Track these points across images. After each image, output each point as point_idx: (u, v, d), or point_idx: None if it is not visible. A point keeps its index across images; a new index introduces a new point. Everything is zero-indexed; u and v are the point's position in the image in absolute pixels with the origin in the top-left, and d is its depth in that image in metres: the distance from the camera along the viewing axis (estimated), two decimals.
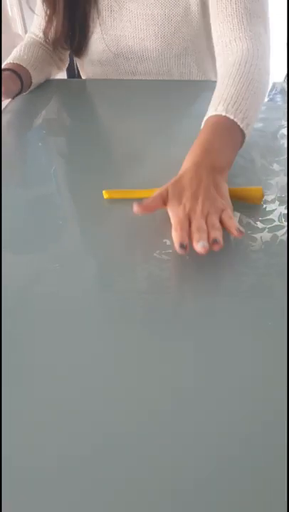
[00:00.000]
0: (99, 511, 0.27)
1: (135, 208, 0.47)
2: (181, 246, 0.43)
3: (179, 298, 0.43)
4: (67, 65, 0.97)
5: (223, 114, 0.54)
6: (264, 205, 0.53)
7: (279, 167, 0.60)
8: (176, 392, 0.34)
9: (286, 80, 0.82)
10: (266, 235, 0.48)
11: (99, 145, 0.68)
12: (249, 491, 0.28)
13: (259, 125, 0.70)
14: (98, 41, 0.84)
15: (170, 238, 0.45)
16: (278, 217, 0.51)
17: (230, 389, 0.34)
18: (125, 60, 0.86)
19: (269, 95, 0.86)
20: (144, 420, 0.32)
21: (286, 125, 0.71)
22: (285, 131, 0.69)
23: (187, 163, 0.51)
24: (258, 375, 0.35)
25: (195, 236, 0.43)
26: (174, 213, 0.46)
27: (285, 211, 0.52)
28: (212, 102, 0.57)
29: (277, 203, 0.53)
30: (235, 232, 0.44)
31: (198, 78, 0.90)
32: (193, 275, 0.44)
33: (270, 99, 0.84)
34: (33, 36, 0.88)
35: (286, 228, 0.49)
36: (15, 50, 0.84)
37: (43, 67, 0.85)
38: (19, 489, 0.29)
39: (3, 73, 0.76)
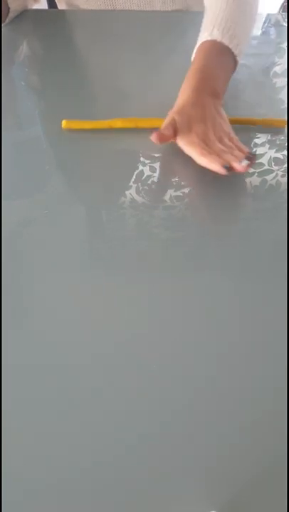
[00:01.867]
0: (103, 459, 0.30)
1: (153, 137, 0.47)
2: (226, 167, 0.44)
3: (168, 243, 0.44)
4: None
5: (219, 39, 0.53)
6: (254, 149, 0.52)
7: (267, 108, 0.58)
8: (168, 336, 0.36)
9: (282, 12, 0.78)
10: (255, 179, 0.48)
11: (84, 81, 0.65)
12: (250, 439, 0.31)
13: (250, 61, 0.67)
14: None
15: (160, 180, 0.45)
16: (268, 162, 0.50)
17: (221, 332, 0.36)
18: None
19: (262, 28, 0.82)
20: (136, 367, 0.34)
21: (279, 62, 0.69)
22: (278, 69, 0.67)
23: (186, 90, 0.51)
24: (249, 316, 0.37)
25: (226, 158, 0.45)
26: (189, 141, 0.46)
27: (275, 155, 0.51)
28: (205, 27, 0.55)
29: (267, 146, 0.52)
30: (247, 152, 0.46)
31: (179, 6, 0.85)
32: (182, 219, 0.45)
33: (263, 33, 0.80)
34: None
35: (275, 173, 0.49)
36: None
37: None
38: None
39: None
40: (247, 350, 0.34)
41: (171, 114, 0.49)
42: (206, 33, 0.54)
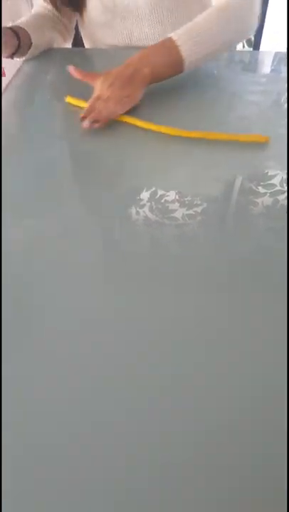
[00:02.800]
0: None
1: (70, 68, 0.67)
2: (82, 118, 0.60)
3: (179, 259, 0.44)
4: (72, 35, 0.98)
5: (173, 37, 0.64)
6: (266, 170, 0.53)
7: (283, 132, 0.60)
8: (178, 353, 0.35)
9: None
10: (267, 200, 0.49)
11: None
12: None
13: (259, 97, 0.70)
14: (95, 2, 0.85)
15: (172, 204, 0.46)
16: (279, 183, 0.51)
17: (228, 347, 0.35)
18: (121, 20, 0.87)
19: (271, 66, 0.86)
20: (143, 379, 0.34)
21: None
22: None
23: (125, 61, 0.64)
24: (259, 337, 0.36)
25: (87, 114, 0.61)
26: (95, 91, 0.64)
27: (286, 176, 0.52)
28: (178, 30, 0.66)
29: (278, 167, 0.54)
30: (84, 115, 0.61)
31: None
32: (193, 237, 0.45)
33: (272, 70, 0.83)
34: (38, 8, 0.92)
35: (287, 194, 0.50)
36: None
37: (44, 30, 0.86)
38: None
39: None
40: (257, 370, 0.34)
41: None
42: (175, 34, 0.65)
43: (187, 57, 0.65)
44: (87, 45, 1.00)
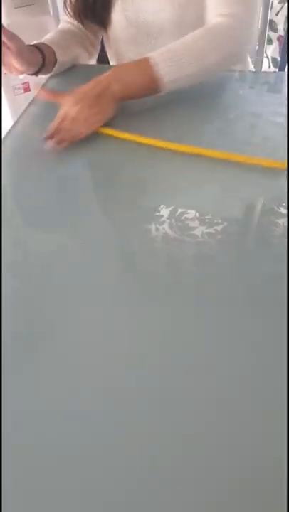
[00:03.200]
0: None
1: (39, 93, 0.70)
2: (44, 138, 0.60)
3: (198, 277, 0.44)
4: (97, 51, 0.98)
5: (150, 57, 0.64)
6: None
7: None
8: (195, 372, 0.35)
9: None
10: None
11: (121, 124, 0.69)
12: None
13: (258, 108, 0.70)
14: (120, 17, 0.86)
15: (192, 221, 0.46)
16: None
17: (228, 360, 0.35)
18: (145, 35, 0.87)
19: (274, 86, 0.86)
20: (144, 392, 0.33)
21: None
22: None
23: (94, 78, 0.64)
24: (260, 361, 0.36)
25: (53, 135, 0.60)
26: (60, 109, 0.62)
27: None
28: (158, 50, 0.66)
29: None
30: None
31: None
32: (212, 256, 0.45)
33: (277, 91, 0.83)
34: (64, 23, 0.92)
35: None
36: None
37: (70, 46, 0.87)
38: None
39: (26, 47, 0.77)
40: (267, 391, 0.33)
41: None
42: (153, 54, 0.64)
43: (164, 76, 0.64)
44: (112, 62, 1.01)
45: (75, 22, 0.90)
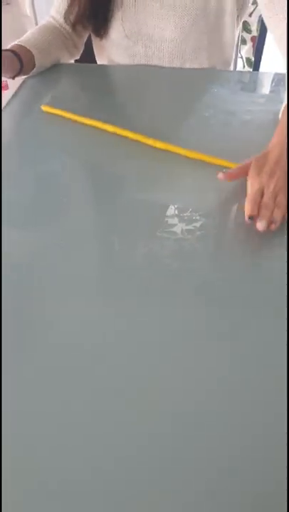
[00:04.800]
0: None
1: (220, 175, 0.52)
2: (250, 218, 0.48)
3: (178, 274, 0.45)
4: (80, 53, 0.97)
5: None
6: None
7: None
8: (176, 366, 0.36)
9: None
10: None
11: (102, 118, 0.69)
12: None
13: (257, 115, 0.72)
14: (118, 28, 0.85)
15: (171, 218, 0.47)
16: None
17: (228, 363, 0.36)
18: (143, 48, 0.87)
19: (270, 87, 0.88)
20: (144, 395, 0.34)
21: None
22: None
23: (274, 141, 0.55)
24: (255, 351, 0.37)
25: (261, 212, 0.48)
26: (250, 184, 0.51)
27: None
28: None
29: None
30: (281, 218, 0.48)
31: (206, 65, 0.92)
32: (192, 252, 0.46)
33: (271, 91, 0.85)
34: (51, 20, 0.89)
35: None
36: (27, 32, 0.85)
37: (51, 50, 0.85)
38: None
39: (3, 53, 0.76)
40: (254, 383, 0.34)
41: (253, 157, 0.53)
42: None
43: None
44: (101, 62, 0.99)
45: (64, 23, 0.88)
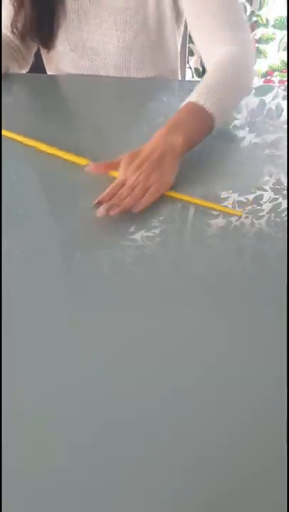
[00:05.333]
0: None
1: (87, 168, 0.56)
2: (96, 203, 0.52)
3: (141, 281, 0.45)
4: (29, 65, 0.98)
5: (194, 100, 0.61)
6: (218, 192, 0.56)
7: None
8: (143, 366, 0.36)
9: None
10: (220, 221, 0.52)
11: (63, 138, 0.68)
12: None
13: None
14: (63, 41, 0.87)
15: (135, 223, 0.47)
16: (232, 205, 0.54)
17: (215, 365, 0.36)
18: (89, 61, 0.89)
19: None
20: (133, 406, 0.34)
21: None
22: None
23: (152, 140, 0.58)
24: (251, 357, 0.38)
25: (108, 201, 0.51)
26: (118, 177, 0.55)
27: (239, 198, 0.55)
28: (195, 91, 0.63)
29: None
30: (133, 208, 0.51)
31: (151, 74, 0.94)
32: (152, 257, 0.47)
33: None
34: None
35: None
36: None
37: None
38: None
39: None
40: (244, 380, 0.35)
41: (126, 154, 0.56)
42: (193, 96, 0.62)
43: (215, 112, 0.61)
44: (49, 71, 1.00)
45: (12, 36, 0.89)
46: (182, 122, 0.59)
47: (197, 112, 0.61)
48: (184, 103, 0.62)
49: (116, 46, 0.86)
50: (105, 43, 0.86)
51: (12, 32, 0.87)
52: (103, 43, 0.86)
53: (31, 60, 0.97)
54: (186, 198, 0.55)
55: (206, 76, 0.66)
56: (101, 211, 0.49)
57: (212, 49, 0.72)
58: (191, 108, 0.61)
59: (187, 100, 0.62)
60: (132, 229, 0.50)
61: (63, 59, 0.91)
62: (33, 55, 0.97)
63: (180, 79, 1.05)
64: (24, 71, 0.98)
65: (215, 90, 0.62)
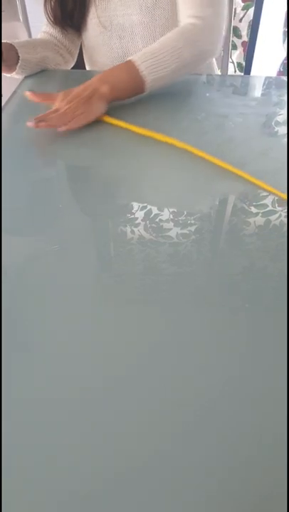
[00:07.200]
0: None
1: (27, 93, 0.72)
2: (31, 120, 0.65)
3: (174, 279, 0.44)
4: (75, 58, 1.01)
5: (133, 59, 0.70)
6: (258, 191, 0.54)
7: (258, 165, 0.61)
8: (174, 370, 0.35)
9: (281, 69, 0.83)
10: (259, 220, 0.50)
11: (99, 135, 0.69)
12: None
13: (249, 118, 0.72)
14: (95, 23, 0.91)
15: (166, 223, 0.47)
16: (272, 203, 0.52)
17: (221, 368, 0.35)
18: (118, 39, 0.92)
19: (262, 90, 0.88)
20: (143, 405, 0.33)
21: (281, 112, 0.73)
22: (279, 119, 0.71)
23: (86, 81, 0.70)
24: (253, 357, 0.36)
25: (41, 119, 0.65)
26: (54, 105, 0.68)
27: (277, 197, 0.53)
28: (138, 52, 0.72)
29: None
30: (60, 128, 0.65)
31: None
32: (188, 256, 0.46)
33: (263, 94, 0.86)
34: (42, 33, 0.96)
35: (279, 213, 0.51)
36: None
37: (36, 47, 0.89)
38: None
39: None
40: (252, 385, 0.34)
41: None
42: (135, 56, 0.71)
43: (147, 75, 0.70)
44: (88, 67, 1.04)
45: (54, 31, 0.93)
46: (115, 75, 0.71)
47: (131, 71, 0.70)
48: (130, 59, 0.71)
49: (139, 15, 0.88)
50: (130, 15, 0.89)
51: (52, 25, 0.91)
52: (128, 15, 0.89)
53: (76, 52, 1.00)
54: (121, 123, 0.67)
55: (156, 42, 0.73)
56: (30, 123, 0.63)
57: (180, 22, 0.80)
58: (128, 66, 0.70)
59: (130, 58, 0.71)
60: (167, 226, 0.49)
61: (96, 45, 0.94)
62: (78, 47, 1.00)
63: (220, 73, 1.03)
64: (69, 67, 1.00)
65: (154, 57, 0.70)
